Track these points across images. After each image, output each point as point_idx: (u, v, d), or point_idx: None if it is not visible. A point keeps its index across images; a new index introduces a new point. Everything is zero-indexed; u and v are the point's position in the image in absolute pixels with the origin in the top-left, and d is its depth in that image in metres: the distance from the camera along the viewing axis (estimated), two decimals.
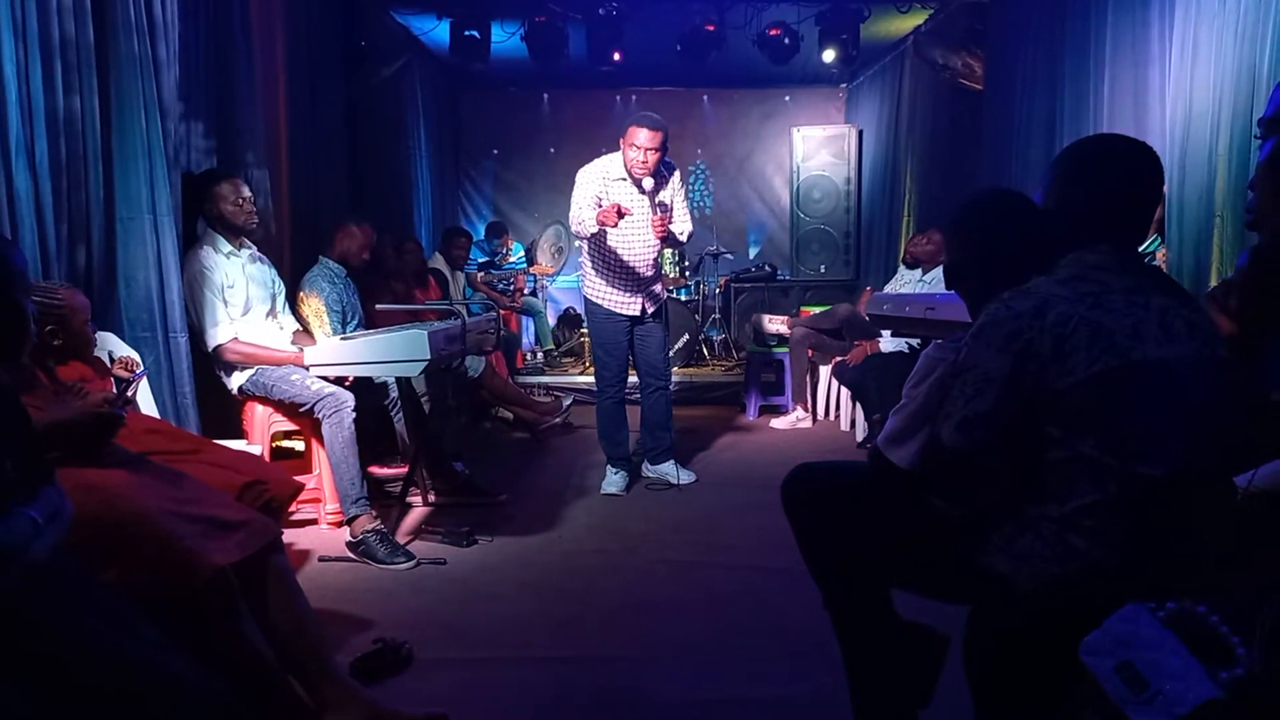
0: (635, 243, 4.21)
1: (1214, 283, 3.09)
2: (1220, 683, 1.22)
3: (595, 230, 4.03)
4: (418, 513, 3.96)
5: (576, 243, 4.24)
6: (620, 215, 3.92)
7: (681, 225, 4.29)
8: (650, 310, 4.37)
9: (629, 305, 4.30)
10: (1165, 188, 3.49)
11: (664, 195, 4.20)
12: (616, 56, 6.78)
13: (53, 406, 2.04)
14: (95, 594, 1.56)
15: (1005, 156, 5.35)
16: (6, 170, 2.61)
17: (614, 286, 4.28)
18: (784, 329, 6.24)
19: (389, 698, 2.22)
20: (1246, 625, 1.26)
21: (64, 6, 2.84)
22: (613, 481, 4.35)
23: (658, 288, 4.42)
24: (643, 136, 3.98)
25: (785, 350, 6.17)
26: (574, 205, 4.16)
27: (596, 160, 4.22)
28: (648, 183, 4.07)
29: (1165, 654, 1.26)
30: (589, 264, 4.33)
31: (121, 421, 2.07)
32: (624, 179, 4.14)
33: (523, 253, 8.34)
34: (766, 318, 6.47)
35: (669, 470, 4.46)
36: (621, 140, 4.08)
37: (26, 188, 2.67)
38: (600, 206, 4.05)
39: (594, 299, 4.36)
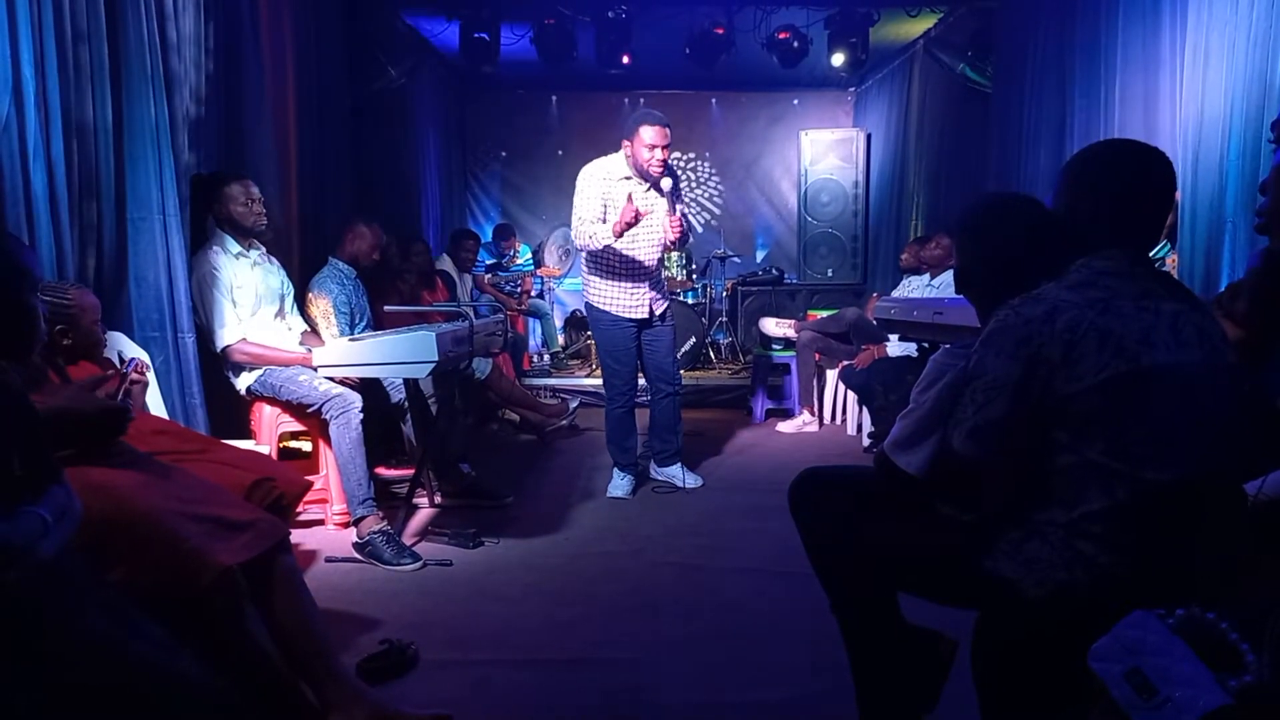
0: (642, 243, 4.16)
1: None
2: (1229, 690, 1.22)
3: (610, 242, 3.94)
4: (424, 514, 3.97)
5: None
6: (637, 217, 3.83)
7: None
8: (658, 312, 4.30)
9: (636, 309, 4.24)
10: (1177, 194, 3.48)
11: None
12: (625, 59, 6.78)
13: (63, 394, 2.04)
14: (102, 593, 1.57)
15: (1014, 161, 5.34)
16: (24, 171, 2.62)
17: (620, 290, 4.20)
18: (790, 333, 6.23)
19: (395, 698, 2.22)
20: (1256, 632, 1.26)
21: (78, 9, 2.86)
22: (619, 485, 4.33)
23: (663, 292, 4.37)
24: (654, 134, 3.94)
25: (791, 354, 6.16)
26: (577, 219, 4.08)
27: (596, 161, 4.16)
28: (666, 183, 4.02)
29: (1174, 660, 1.26)
30: (592, 269, 4.25)
31: (129, 415, 2.07)
32: (628, 178, 4.09)
33: (530, 255, 8.35)
34: (774, 321, 6.46)
35: (676, 473, 4.44)
36: (627, 142, 4.03)
37: (43, 188, 2.69)
38: (605, 212, 4.03)
39: (599, 304, 4.26)
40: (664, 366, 4.36)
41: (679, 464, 4.47)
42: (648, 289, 4.25)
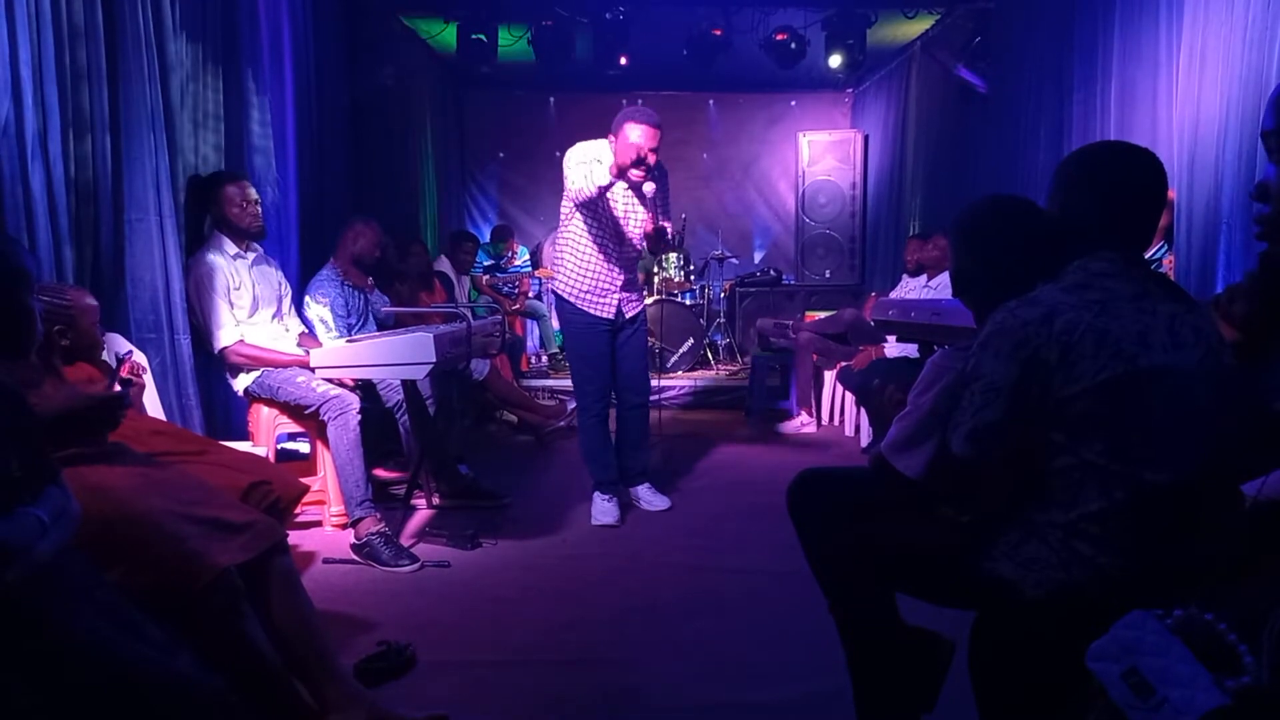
0: (614, 240, 3.83)
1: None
2: (1227, 691, 1.22)
3: (605, 184, 3.50)
4: (422, 515, 3.96)
5: (566, 212, 3.86)
6: (639, 157, 3.48)
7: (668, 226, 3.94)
8: (628, 314, 3.95)
9: (603, 307, 3.87)
10: (1174, 195, 3.48)
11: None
12: (623, 60, 6.79)
13: (55, 396, 2.02)
14: (100, 594, 1.56)
15: (1011, 162, 5.34)
16: (24, 172, 2.62)
17: (590, 284, 3.84)
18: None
19: (392, 700, 2.22)
20: (1254, 633, 1.25)
21: (75, 8, 2.86)
22: (606, 510, 3.89)
23: (636, 293, 4.02)
24: (642, 134, 3.52)
25: (789, 354, 6.16)
26: (576, 170, 3.64)
27: (588, 143, 3.77)
28: (649, 187, 3.71)
29: (1172, 661, 1.26)
30: (565, 257, 3.88)
31: (124, 402, 2.05)
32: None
33: (528, 256, 8.35)
34: (772, 322, 6.45)
35: (642, 494, 4.09)
36: (613, 137, 3.62)
37: (41, 189, 2.68)
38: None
39: (567, 296, 3.89)
40: (634, 373, 3.99)
41: (647, 484, 4.12)
42: (618, 290, 3.89)
